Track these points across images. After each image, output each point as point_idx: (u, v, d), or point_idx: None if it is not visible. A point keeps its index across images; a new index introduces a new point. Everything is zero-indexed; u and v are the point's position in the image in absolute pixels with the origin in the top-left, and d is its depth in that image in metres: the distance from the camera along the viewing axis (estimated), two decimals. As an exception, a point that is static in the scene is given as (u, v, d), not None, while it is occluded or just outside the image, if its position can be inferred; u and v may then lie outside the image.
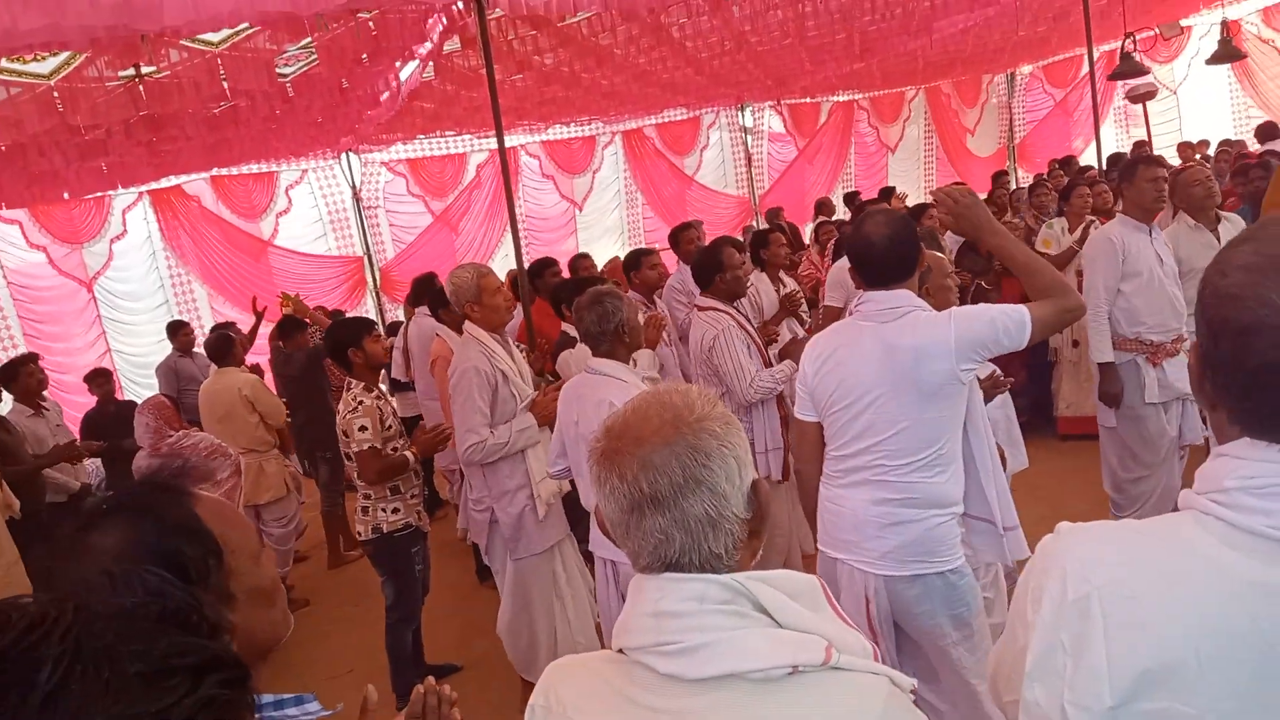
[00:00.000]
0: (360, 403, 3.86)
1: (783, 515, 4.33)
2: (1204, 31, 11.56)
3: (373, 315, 9.72)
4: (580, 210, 11.54)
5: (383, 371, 5.25)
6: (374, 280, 10.20)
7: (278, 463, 5.67)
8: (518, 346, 4.18)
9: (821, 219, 9.65)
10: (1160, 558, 0.93)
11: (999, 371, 3.73)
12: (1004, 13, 8.25)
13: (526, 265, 5.61)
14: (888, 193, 10.23)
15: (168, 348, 7.44)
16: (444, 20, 5.49)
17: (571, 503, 3.87)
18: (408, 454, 3.94)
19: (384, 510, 3.94)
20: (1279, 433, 0.87)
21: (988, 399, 3.53)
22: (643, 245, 10.25)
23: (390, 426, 3.95)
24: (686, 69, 8.41)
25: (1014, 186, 11.00)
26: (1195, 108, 12.15)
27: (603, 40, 6.75)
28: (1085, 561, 0.96)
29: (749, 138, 12.43)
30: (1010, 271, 2.97)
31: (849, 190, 11.88)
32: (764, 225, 9.75)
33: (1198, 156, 9.03)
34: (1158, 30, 11.19)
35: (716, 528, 1.08)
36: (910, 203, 10.29)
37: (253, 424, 5.54)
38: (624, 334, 3.19)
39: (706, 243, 5.06)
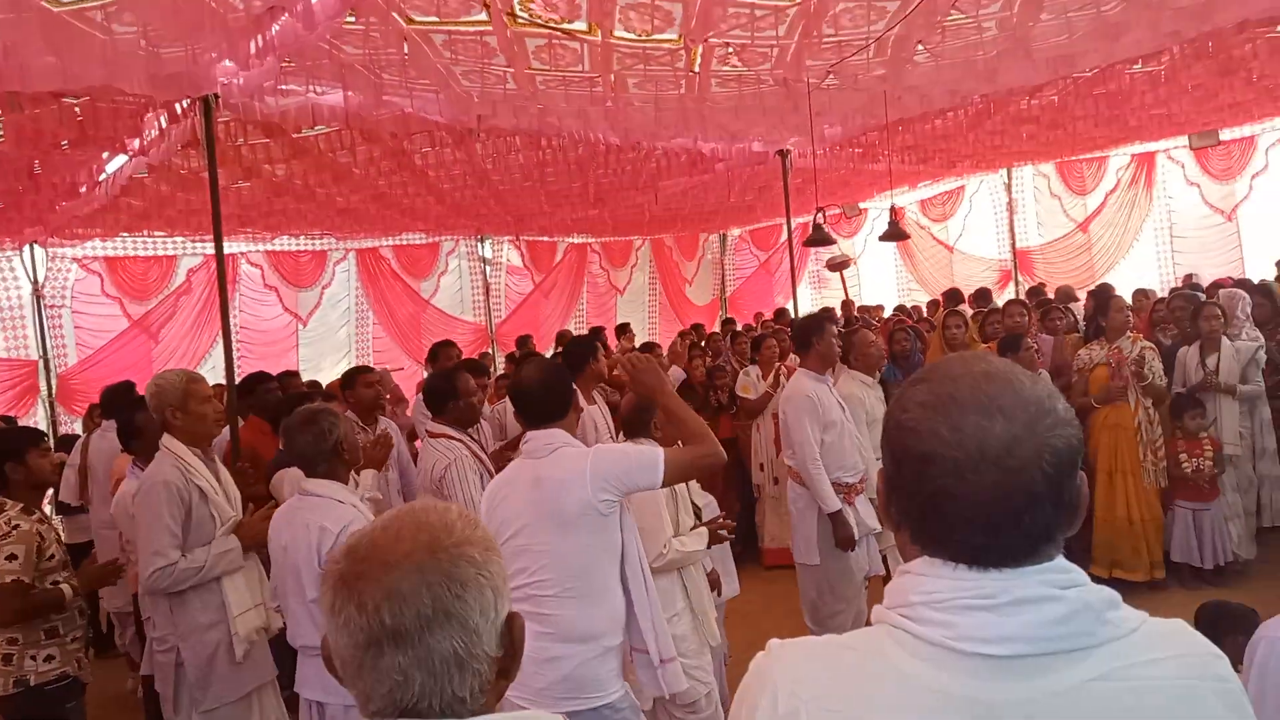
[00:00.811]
0: (15, 526, 3.30)
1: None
2: (877, 214, 13.67)
3: (43, 426, 8.42)
4: (304, 325, 10.98)
5: (50, 492, 4.53)
6: (49, 388, 8.90)
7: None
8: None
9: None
10: (859, 671, 1.00)
11: (722, 515, 3.97)
12: (717, 180, 9.23)
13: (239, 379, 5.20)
14: (623, 329, 11.07)
15: None
16: (164, 117, 5.17)
17: (278, 641, 3.50)
18: (65, 587, 3.39)
19: (33, 658, 3.32)
20: (954, 550, 0.99)
21: (713, 543, 3.73)
22: (371, 363, 9.91)
23: (52, 556, 3.40)
24: (427, 196, 8.48)
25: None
26: (870, 276, 14.17)
27: (341, 158, 6.66)
28: (794, 677, 1.01)
29: (488, 268, 12.64)
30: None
31: (592, 325, 12.42)
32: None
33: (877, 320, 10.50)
34: (842, 209, 13.09)
35: (464, 668, 1.00)
36: (638, 342, 10.93)
37: None
38: (343, 452, 3.04)
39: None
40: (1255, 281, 7.40)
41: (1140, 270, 10.69)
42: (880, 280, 13.48)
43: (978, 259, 12.39)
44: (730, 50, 4.87)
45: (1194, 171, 10.38)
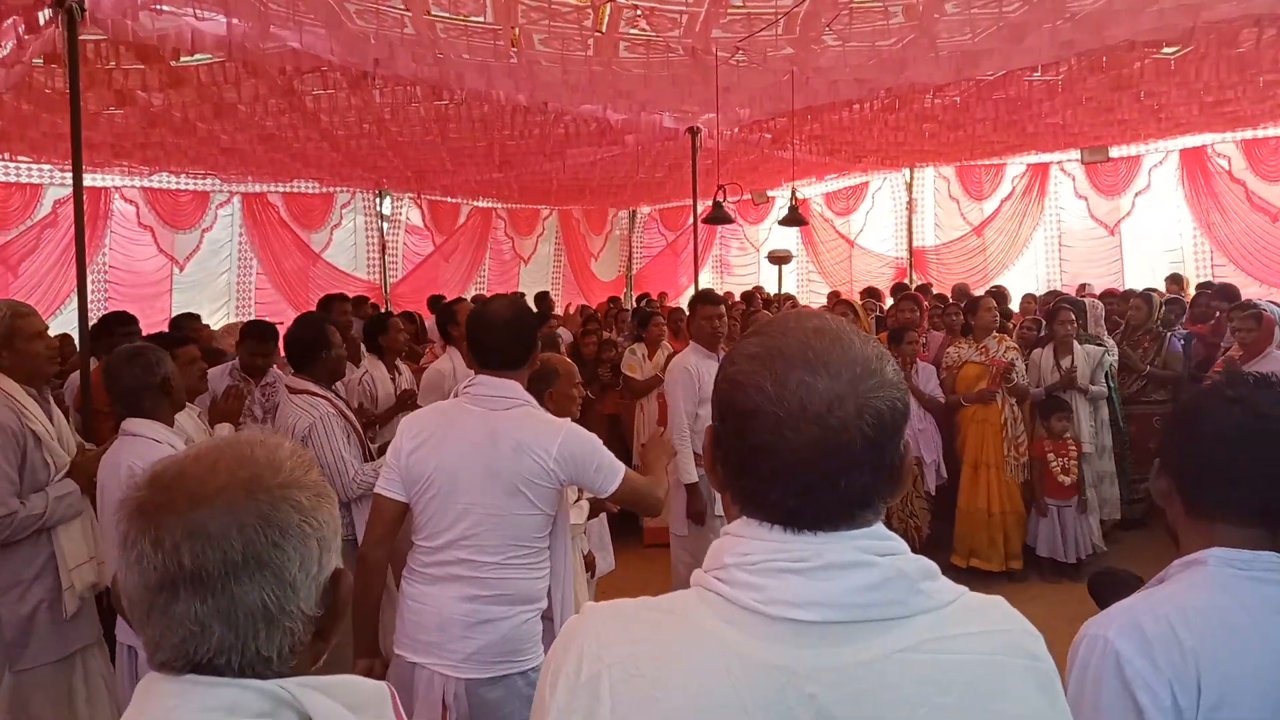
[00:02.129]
0: None
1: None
2: (783, 204, 13.80)
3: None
4: (180, 269, 10.37)
5: None
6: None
7: None
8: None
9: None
10: (668, 634, 0.93)
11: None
12: (626, 154, 9.13)
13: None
14: (542, 297, 11.00)
15: None
16: (22, 26, 4.71)
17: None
18: None
19: None
20: (770, 511, 0.93)
21: (594, 514, 3.64)
22: (253, 315, 9.44)
23: None
24: (321, 142, 8.08)
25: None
26: (772, 267, 14.29)
27: (226, 93, 6.25)
28: (600, 641, 0.93)
29: (385, 225, 12.21)
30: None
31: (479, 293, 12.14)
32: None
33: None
34: (751, 195, 13.18)
35: (273, 625, 0.88)
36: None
37: None
38: (171, 391, 2.83)
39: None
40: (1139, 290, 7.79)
41: (1029, 276, 11.14)
42: (788, 269, 13.63)
43: (876, 255, 12.69)
44: (639, 13, 4.75)
45: (1084, 185, 10.84)
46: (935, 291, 9.80)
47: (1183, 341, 6.65)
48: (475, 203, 13.36)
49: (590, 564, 3.88)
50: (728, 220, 6.43)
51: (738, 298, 10.59)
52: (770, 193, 13.67)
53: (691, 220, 10.14)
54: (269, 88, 6.23)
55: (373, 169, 9.96)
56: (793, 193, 7.12)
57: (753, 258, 14.24)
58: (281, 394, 4.15)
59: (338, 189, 11.60)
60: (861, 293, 10.26)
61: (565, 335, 7.26)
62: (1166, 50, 6.26)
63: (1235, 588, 1.28)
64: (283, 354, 4.60)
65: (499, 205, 13.75)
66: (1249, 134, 9.57)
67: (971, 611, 0.94)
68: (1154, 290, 7.40)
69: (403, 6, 4.75)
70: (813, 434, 0.89)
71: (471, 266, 13.63)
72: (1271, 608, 1.26)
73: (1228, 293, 7.53)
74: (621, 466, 2.49)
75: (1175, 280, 8.79)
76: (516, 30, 5.28)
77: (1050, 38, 5.59)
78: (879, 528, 0.94)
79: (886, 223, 12.51)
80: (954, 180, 11.68)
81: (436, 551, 2.43)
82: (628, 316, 8.93)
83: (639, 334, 6.98)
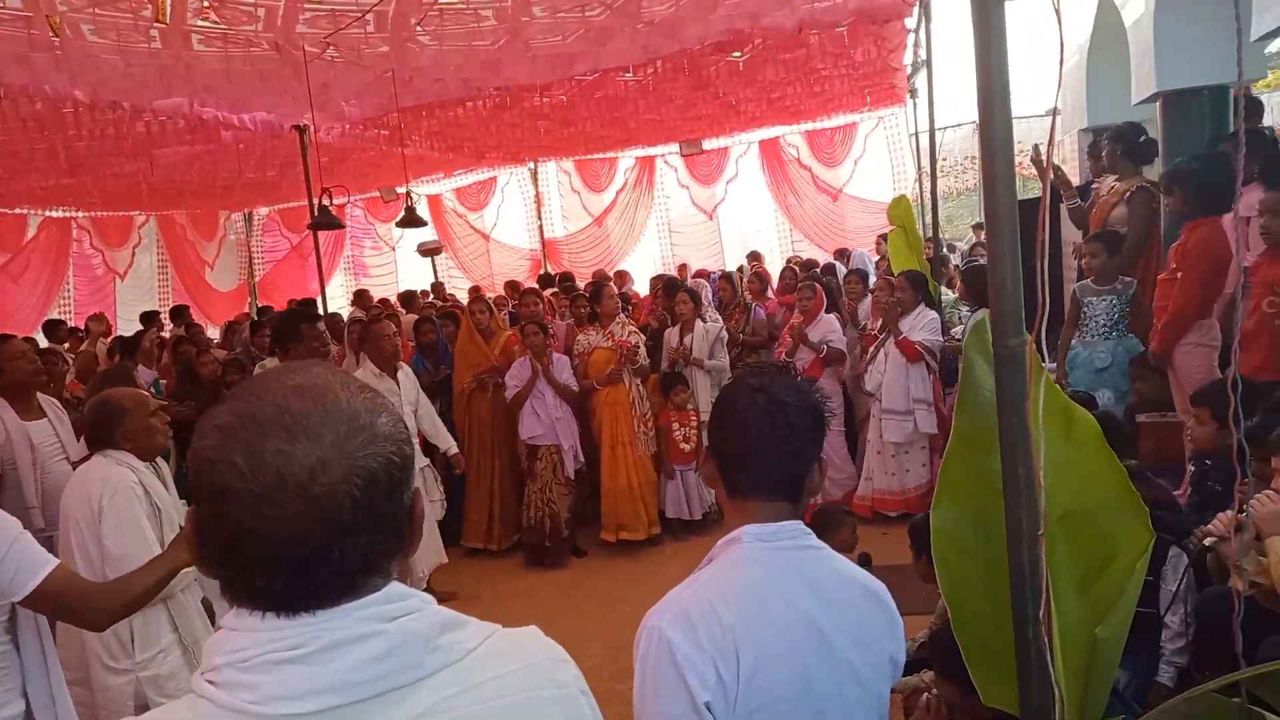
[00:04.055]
0: None
1: None
2: (415, 200, 13.49)
3: None
4: None
5: None
6: None
7: None
8: None
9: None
10: None
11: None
12: (228, 152, 8.33)
13: None
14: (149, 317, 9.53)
15: None
16: None
17: None
18: None
19: None
20: (260, 599, 0.84)
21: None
22: None
23: None
24: None
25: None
26: (408, 264, 13.94)
27: None
28: None
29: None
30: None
31: (52, 319, 10.43)
32: None
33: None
34: (380, 193, 12.72)
35: None
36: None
37: None
38: None
39: None
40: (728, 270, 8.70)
41: (647, 259, 12.02)
42: (422, 268, 13.36)
43: (512, 248, 12.91)
44: (206, 4, 4.30)
45: (684, 176, 11.90)
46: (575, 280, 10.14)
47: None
48: (48, 213, 11.41)
49: (210, 611, 3.50)
50: (337, 225, 6.12)
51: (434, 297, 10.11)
52: (400, 189, 13.29)
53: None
54: None
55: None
56: (408, 194, 6.97)
57: (389, 257, 13.79)
58: None
59: None
60: (506, 285, 10.40)
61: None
62: (735, 54, 7.02)
63: (765, 559, 1.43)
64: None
65: (79, 214, 11.87)
66: (810, 126, 11.12)
67: (497, 654, 0.94)
68: (756, 266, 8.35)
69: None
70: (296, 508, 0.81)
71: (52, 285, 11.66)
72: (794, 573, 1.42)
73: (809, 265, 8.72)
74: (48, 563, 1.98)
75: (754, 257, 9.97)
76: (58, 20, 4.54)
77: (633, 41, 6.01)
78: (391, 589, 0.89)
79: (518, 216, 12.77)
80: (574, 174, 12.23)
81: None
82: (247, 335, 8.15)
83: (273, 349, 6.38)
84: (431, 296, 10.74)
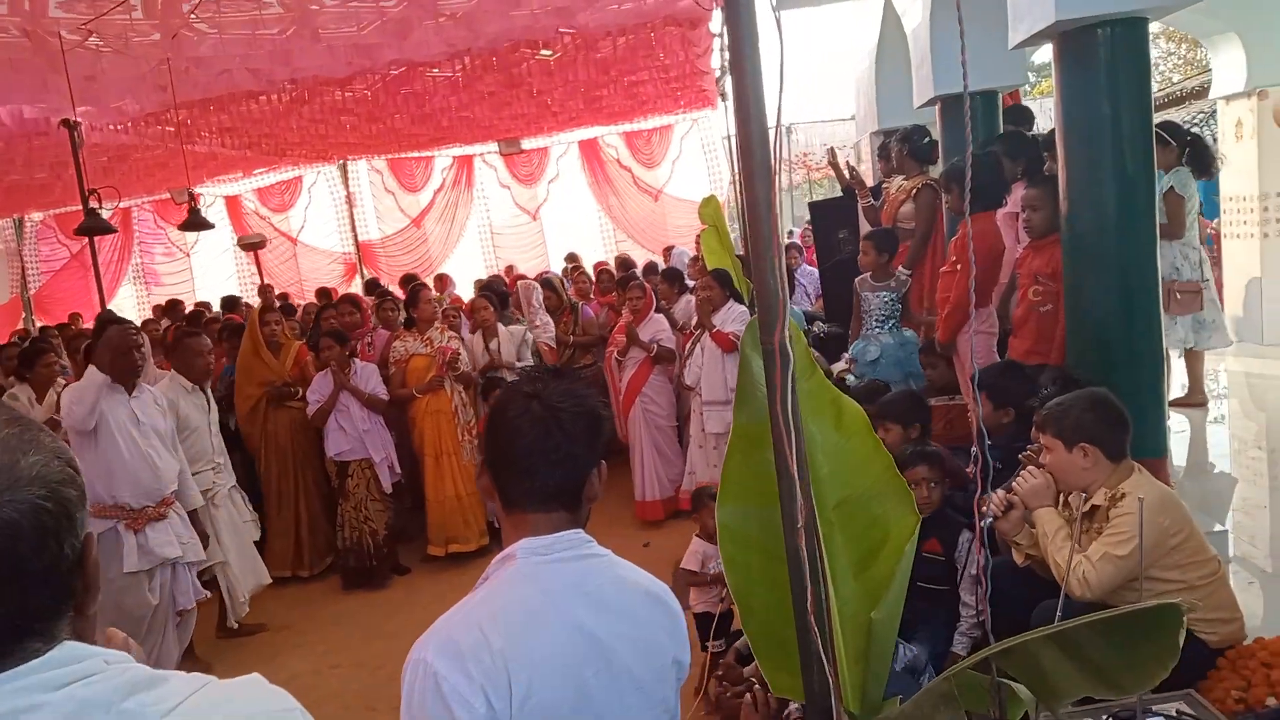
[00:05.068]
0: None
1: None
2: (211, 202, 12.54)
3: None
4: None
5: None
6: None
7: None
8: None
9: None
10: None
11: None
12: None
13: None
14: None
15: None
16: None
17: None
18: None
19: None
20: None
21: None
22: None
23: None
24: None
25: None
26: (214, 267, 12.95)
27: None
28: None
29: None
30: None
31: None
32: None
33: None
34: (170, 194, 11.74)
35: None
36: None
37: None
38: None
39: None
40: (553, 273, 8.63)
41: (469, 262, 11.75)
42: (220, 276, 12.47)
43: (323, 251, 12.28)
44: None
45: (505, 175, 11.73)
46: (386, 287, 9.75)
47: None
48: None
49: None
50: (106, 230, 5.55)
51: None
52: (194, 190, 12.34)
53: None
54: None
55: None
56: (189, 195, 6.47)
57: (184, 264, 12.77)
58: None
59: None
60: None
61: None
62: (545, 53, 6.96)
63: (540, 574, 1.36)
64: None
65: None
66: (628, 127, 11.24)
67: (206, 711, 0.83)
68: (578, 267, 8.30)
69: None
70: None
71: None
72: (571, 586, 1.36)
73: (627, 265, 8.79)
74: None
75: (572, 259, 9.98)
76: None
77: (436, 35, 5.82)
78: (59, 652, 0.77)
79: (328, 218, 12.15)
80: (387, 173, 11.77)
81: None
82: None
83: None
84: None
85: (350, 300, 7.14)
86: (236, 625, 4.66)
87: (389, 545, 5.51)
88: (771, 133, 1.50)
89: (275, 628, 4.92)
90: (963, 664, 1.34)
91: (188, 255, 12.58)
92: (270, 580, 4.90)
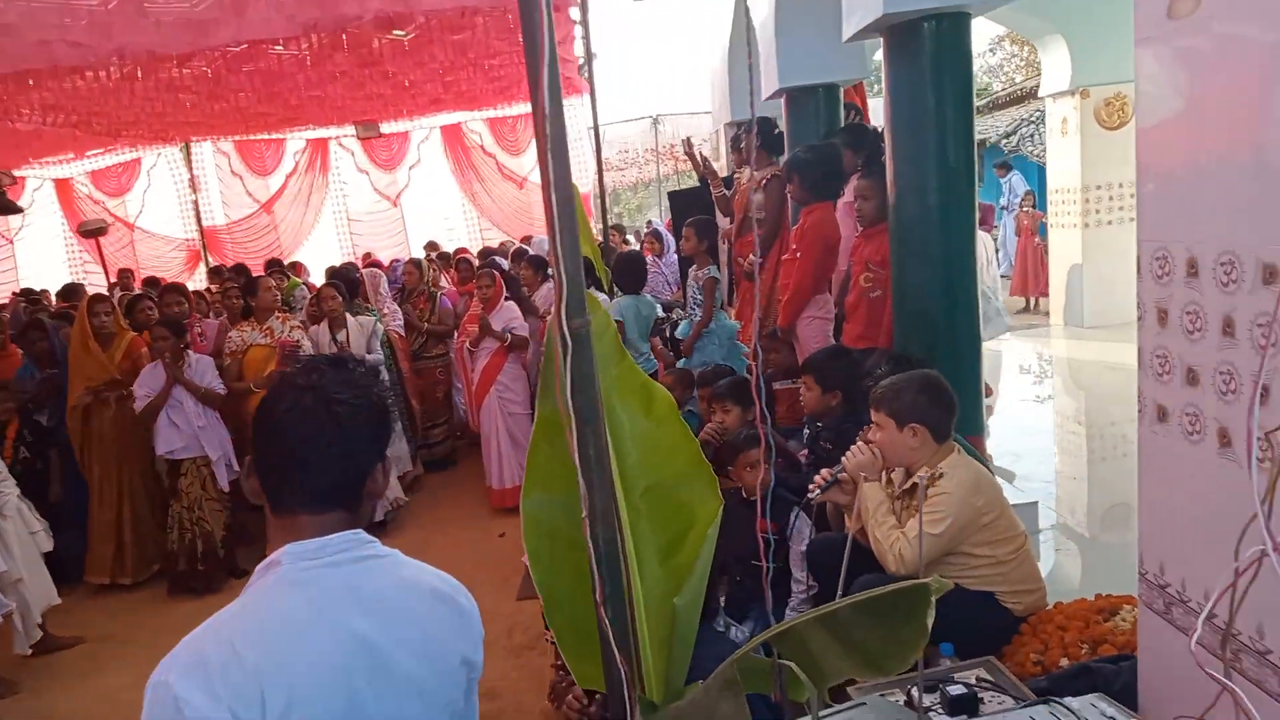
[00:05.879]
0: None
1: None
2: (38, 185, 11.57)
3: None
4: None
5: None
6: None
7: None
8: None
9: None
10: None
11: None
12: None
13: None
14: None
15: None
16: None
17: None
18: None
19: None
20: None
21: None
22: None
23: None
24: None
25: None
26: (40, 253, 11.92)
27: None
28: None
29: None
30: None
31: None
32: None
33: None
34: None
35: None
36: None
37: None
38: None
39: None
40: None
41: (324, 250, 11.28)
42: (48, 264, 11.52)
43: (164, 238, 11.51)
44: None
45: (363, 160, 11.31)
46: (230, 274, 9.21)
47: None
48: None
49: None
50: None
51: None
52: (17, 173, 11.34)
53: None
54: None
55: None
56: (10, 176, 5.91)
57: (6, 250, 11.71)
58: None
59: None
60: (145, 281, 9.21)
61: None
62: (398, 32, 6.70)
63: (307, 580, 1.26)
64: None
65: None
66: (492, 113, 11.02)
67: None
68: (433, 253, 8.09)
69: None
70: None
71: None
72: (344, 590, 1.27)
73: (486, 253, 8.64)
74: None
75: (432, 246, 9.77)
76: None
77: (278, 10, 5.51)
78: None
79: (169, 202, 11.40)
80: (235, 155, 11.14)
81: None
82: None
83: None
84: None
85: (176, 289, 6.72)
86: (30, 651, 4.31)
87: (227, 547, 5.22)
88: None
89: (95, 639, 4.57)
90: (744, 648, 1.35)
91: (10, 242, 11.55)
92: (59, 600, 4.50)
